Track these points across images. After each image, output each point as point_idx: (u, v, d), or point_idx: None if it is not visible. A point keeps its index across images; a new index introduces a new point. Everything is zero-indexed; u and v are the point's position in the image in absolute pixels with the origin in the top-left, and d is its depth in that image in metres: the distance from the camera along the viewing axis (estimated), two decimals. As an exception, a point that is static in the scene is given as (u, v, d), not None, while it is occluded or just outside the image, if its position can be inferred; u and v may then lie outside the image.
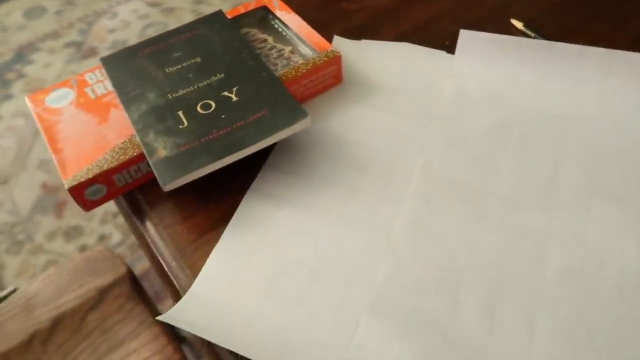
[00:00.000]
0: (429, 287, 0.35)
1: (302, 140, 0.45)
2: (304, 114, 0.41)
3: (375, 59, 0.51)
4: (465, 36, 0.50)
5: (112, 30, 1.63)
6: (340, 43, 0.52)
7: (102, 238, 1.07)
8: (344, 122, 0.46)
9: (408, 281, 0.36)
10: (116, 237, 1.08)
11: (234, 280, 0.37)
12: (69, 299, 0.56)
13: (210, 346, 0.35)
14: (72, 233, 1.09)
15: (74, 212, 1.13)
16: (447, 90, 0.47)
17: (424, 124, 0.45)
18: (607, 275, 0.35)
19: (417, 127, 0.45)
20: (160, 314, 0.41)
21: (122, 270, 0.57)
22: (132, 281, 0.57)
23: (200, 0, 1.72)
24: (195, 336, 0.35)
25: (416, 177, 0.42)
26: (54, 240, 1.08)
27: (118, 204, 0.44)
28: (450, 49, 0.51)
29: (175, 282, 0.38)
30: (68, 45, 1.60)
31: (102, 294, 0.56)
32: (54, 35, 1.65)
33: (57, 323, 0.55)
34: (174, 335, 0.56)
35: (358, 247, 0.38)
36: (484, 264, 0.36)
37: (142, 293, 0.57)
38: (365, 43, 0.52)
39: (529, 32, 0.51)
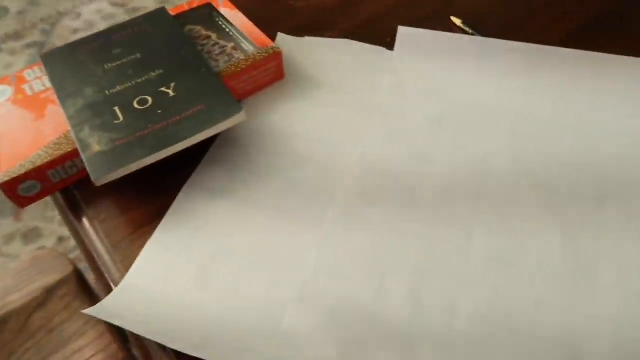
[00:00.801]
0: (357, 274, 0.36)
1: (242, 135, 0.46)
2: (238, 109, 0.41)
3: (317, 56, 0.52)
4: (403, 33, 0.51)
5: (75, 31, 1.61)
6: (284, 40, 0.53)
7: (61, 240, 1.06)
8: (284, 116, 0.47)
9: (336, 269, 0.37)
10: (77, 239, 1.07)
11: (166, 272, 0.37)
12: (15, 299, 0.56)
13: (138, 339, 0.35)
14: (30, 235, 1.07)
15: (33, 215, 1.11)
16: (386, 86, 0.48)
17: (363, 118, 0.46)
18: (527, 260, 0.37)
19: (356, 121, 0.46)
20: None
21: (68, 269, 0.56)
22: (79, 281, 0.56)
23: (165, 0, 1.71)
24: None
25: (352, 169, 0.42)
26: (12, 243, 1.06)
27: (55, 200, 0.44)
28: (391, 45, 0.52)
29: (107, 276, 0.38)
30: (30, 46, 1.57)
31: (48, 293, 0.55)
32: (16, 36, 1.62)
33: (2, 323, 0.54)
34: (124, 334, 0.55)
35: (291, 237, 0.38)
36: (411, 252, 0.37)
37: (89, 292, 0.57)
38: (308, 40, 0.53)
39: (467, 29, 0.53)
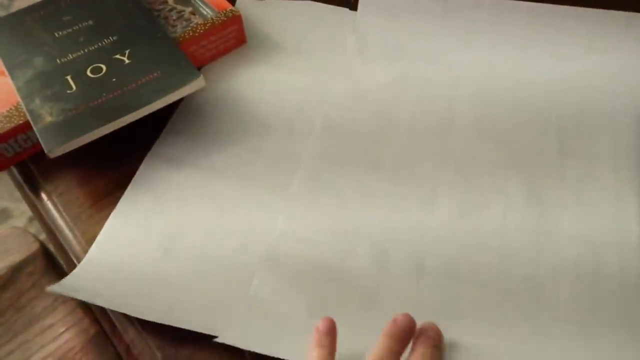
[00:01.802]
0: (324, 236, 0.36)
1: (204, 102, 0.44)
2: (196, 75, 0.40)
3: (279, 18, 0.50)
4: (366, -8, 0.50)
5: (35, 3, 1.54)
6: (245, 3, 0.51)
7: (32, 219, 1.03)
8: (247, 82, 0.46)
9: (303, 231, 0.36)
10: (48, 218, 1.04)
11: (130, 243, 0.36)
12: (-19, 280, 0.54)
13: (103, 312, 0.34)
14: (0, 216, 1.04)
15: (1, 195, 1.08)
16: (350, 46, 0.48)
17: (326, 81, 0.45)
18: (491, 215, 0.37)
19: (320, 84, 0.45)
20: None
21: (34, 246, 0.55)
22: (46, 257, 0.55)
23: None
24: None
25: (316, 131, 0.42)
26: (-19, 225, 1.03)
27: (11, 175, 0.43)
28: (354, 5, 0.51)
29: (68, 250, 0.37)
30: (-13, 20, 1.50)
31: (15, 271, 0.54)
32: (-28, 10, 1.54)
33: (-32, 304, 0.53)
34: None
35: (256, 202, 0.38)
36: (378, 211, 0.37)
37: (58, 269, 0.56)
38: (269, 2, 0.52)
39: (431, -13, 0.52)
